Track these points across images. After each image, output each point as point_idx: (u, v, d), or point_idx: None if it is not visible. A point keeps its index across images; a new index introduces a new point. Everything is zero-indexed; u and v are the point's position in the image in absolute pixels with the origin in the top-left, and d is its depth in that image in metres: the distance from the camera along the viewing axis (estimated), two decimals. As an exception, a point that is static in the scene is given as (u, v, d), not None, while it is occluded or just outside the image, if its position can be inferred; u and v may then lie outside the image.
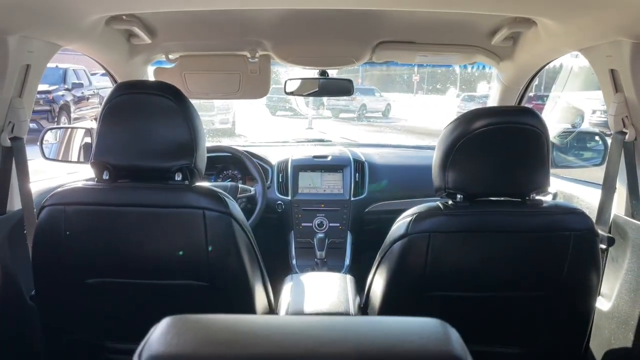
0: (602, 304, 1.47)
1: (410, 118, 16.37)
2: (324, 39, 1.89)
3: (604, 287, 1.47)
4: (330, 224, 2.31)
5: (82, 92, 11.92)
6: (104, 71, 2.00)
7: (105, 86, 12.26)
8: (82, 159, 2.10)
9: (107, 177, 1.24)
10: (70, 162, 2.16)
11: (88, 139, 2.09)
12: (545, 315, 1.30)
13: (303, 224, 2.31)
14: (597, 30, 1.33)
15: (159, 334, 0.44)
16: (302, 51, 1.98)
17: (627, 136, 1.40)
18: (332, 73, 2.30)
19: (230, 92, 2.12)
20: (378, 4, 1.39)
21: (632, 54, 1.28)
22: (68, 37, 1.49)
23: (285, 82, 2.22)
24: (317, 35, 1.87)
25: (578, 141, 2.35)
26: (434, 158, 1.27)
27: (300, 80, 2.21)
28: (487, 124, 1.18)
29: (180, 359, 0.42)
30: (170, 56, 2.01)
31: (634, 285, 1.35)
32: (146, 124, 1.21)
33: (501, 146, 1.20)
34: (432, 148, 1.91)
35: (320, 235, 2.23)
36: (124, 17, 1.58)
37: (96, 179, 1.26)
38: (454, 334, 0.45)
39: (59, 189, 1.24)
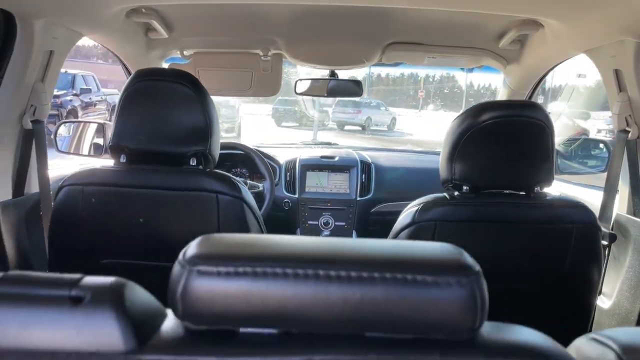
0: (603, 301, 1.48)
1: (415, 132, 16.40)
2: (336, 38, 1.94)
3: (605, 285, 1.49)
4: (336, 223, 2.33)
5: (90, 98, 12.03)
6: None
7: (112, 92, 12.44)
8: (93, 153, 2.13)
9: (124, 161, 1.28)
10: (82, 155, 2.19)
11: (100, 138, 2.13)
12: (546, 309, 1.31)
13: (309, 222, 2.34)
14: (602, 31, 1.37)
15: (198, 242, 0.48)
16: (314, 50, 2.03)
17: (629, 134, 1.44)
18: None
19: (242, 89, 2.17)
20: (388, 2, 1.43)
21: (635, 53, 1.32)
22: (90, 26, 1.54)
23: (296, 82, 2.27)
24: (328, 35, 1.92)
25: (582, 149, 2.37)
26: (442, 151, 1.30)
27: (310, 81, 2.26)
28: (494, 117, 1.21)
29: (223, 257, 0.46)
30: (185, 52, 2.06)
31: (635, 282, 1.37)
32: (164, 110, 1.25)
33: (507, 139, 1.23)
34: (437, 153, 1.92)
35: (326, 233, 2.26)
36: (144, 10, 1.63)
37: (114, 162, 1.30)
38: (466, 253, 0.48)
39: (78, 170, 1.28)
